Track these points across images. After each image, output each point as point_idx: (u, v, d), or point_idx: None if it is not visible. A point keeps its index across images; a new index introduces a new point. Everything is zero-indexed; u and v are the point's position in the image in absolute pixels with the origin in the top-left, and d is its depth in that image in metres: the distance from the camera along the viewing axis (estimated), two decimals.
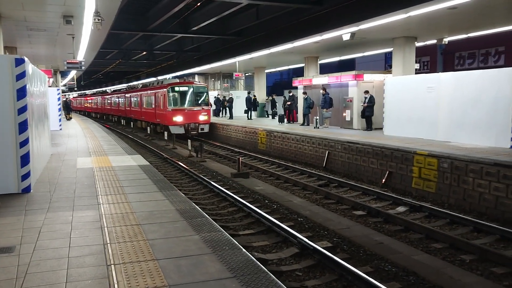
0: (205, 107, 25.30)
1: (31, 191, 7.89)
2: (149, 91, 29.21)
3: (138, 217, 6.20)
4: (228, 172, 14.59)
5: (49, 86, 20.56)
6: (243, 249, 4.98)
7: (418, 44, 19.32)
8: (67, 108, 35.46)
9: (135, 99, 33.54)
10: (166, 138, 23.90)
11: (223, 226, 8.43)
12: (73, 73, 34.70)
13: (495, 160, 9.78)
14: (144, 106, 30.52)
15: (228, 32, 22.92)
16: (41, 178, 9.23)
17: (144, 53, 32.55)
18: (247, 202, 10.26)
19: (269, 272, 4.34)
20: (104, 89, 65.73)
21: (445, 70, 28.08)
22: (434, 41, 19.77)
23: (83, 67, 18.79)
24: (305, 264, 6.76)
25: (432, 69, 30.14)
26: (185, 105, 24.96)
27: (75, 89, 66.51)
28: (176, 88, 25.20)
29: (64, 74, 35.45)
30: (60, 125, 22.75)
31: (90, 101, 61.79)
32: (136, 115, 33.86)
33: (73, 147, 14.70)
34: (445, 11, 12.49)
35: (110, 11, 11.95)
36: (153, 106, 27.65)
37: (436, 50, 29.90)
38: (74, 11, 11.66)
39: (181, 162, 16.83)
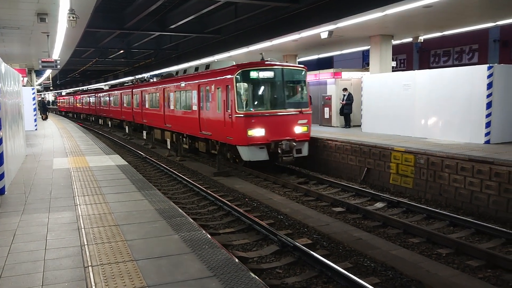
0: (305, 109, 14.09)
1: (5, 193, 7.71)
2: (182, 83, 18.14)
3: (117, 218, 6.12)
4: (208, 171, 14.53)
5: (24, 86, 20.11)
6: (223, 248, 4.98)
7: (394, 42, 19.56)
8: (43, 108, 34.76)
9: (152, 95, 22.95)
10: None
11: (203, 225, 8.40)
12: (48, 72, 33.97)
13: (470, 156, 10.00)
14: (171, 106, 19.64)
15: (206, 30, 22.78)
16: (16, 179, 9.03)
17: (122, 51, 32.09)
18: (227, 200, 10.25)
19: (249, 271, 4.35)
20: (107, 83, 51.67)
21: (421, 67, 28.59)
22: (410, 39, 20.05)
23: (58, 66, 18.42)
24: (286, 262, 6.79)
25: (409, 67, 30.65)
26: (269, 107, 13.84)
27: (51, 88, 64.75)
28: (253, 74, 13.56)
29: (39, 73, 34.67)
30: (36, 125, 22.31)
31: (82, 100, 48.83)
32: (154, 121, 22.79)
33: (49, 148, 14.42)
34: (421, 10, 12.69)
35: (86, 8, 11.74)
36: (192, 107, 16.83)
37: (412, 48, 30.42)
38: (48, 9, 11.41)
39: (160, 161, 16.70)
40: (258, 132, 13.26)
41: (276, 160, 13.74)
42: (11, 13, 12.03)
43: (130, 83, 32.08)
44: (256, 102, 13.80)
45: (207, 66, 17.14)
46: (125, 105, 29.89)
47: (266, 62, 14.10)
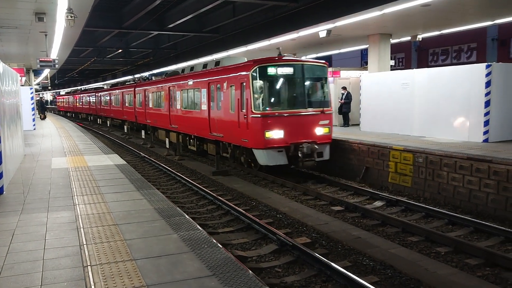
0: (326, 109, 13.11)
1: (4, 193, 7.70)
2: (190, 81, 16.94)
3: (115, 217, 6.12)
4: (207, 170, 14.52)
5: (22, 85, 20.08)
6: (222, 247, 4.98)
7: (393, 41, 19.57)
8: (42, 108, 34.76)
9: (157, 95, 21.67)
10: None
11: (202, 224, 8.41)
12: (46, 72, 33.94)
13: (468, 154, 10.01)
14: (177, 106, 18.47)
15: (204, 29, 22.76)
16: (14, 179, 9.01)
17: (120, 50, 32.03)
18: (225, 199, 10.25)
19: (248, 270, 4.35)
20: (105, 82, 49.83)
21: (419, 66, 28.60)
22: (409, 38, 20.06)
23: (56, 65, 18.40)
24: (285, 260, 6.79)
25: (407, 66, 30.67)
26: (289, 106, 12.76)
27: (49, 88, 64.49)
28: (271, 70, 12.51)
29: (37, 72, 34.63)
30: (34, 124, 22.27)
31: (82, 99, 46.99)
32: (158, 121, 21.61)
33: (48, 147, 14.39)
34: (419, 9, 12.69)
35: (84, 7, 11.72)
36: (202, 107, 15.72)
37: (411, 47, 30.43)
38: (46, 8, 11.39)
39: (159, 160, 16.69)
40: (276, 134, 12.16)
41: (296, 164, 12.62)
42: (9, 12, 12.01)
43: (132, 82, 30.97)
44: (274, 101, 12.66)
45: (217, 62, 16.05)
46: (127, 104, 28.60)
47: (284, 58, 13.05)
